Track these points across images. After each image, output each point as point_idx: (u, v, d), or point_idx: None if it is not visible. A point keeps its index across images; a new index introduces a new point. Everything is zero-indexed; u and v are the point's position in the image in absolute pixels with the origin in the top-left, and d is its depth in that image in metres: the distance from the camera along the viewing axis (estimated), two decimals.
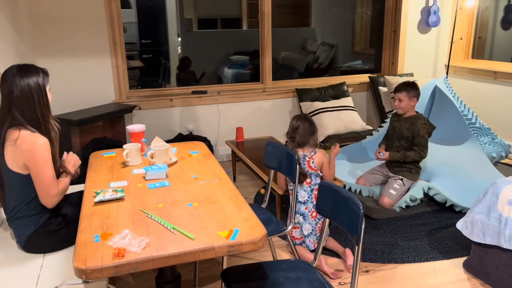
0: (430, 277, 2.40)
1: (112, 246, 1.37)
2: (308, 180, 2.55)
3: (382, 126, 3.82)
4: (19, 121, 1.77)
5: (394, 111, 3.21)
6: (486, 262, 2.30)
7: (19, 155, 1.75)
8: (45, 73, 1.86)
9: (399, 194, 3.07)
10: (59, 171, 1.91)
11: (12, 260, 1.82)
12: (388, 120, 3.39)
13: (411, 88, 2.99)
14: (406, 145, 3.05)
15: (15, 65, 1.82)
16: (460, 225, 2.42)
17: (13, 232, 1.90)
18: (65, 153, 2.07)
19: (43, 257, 1.84)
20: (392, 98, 3.10)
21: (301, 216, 2.56)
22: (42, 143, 1.76)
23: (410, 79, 4.48)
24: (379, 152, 3.11)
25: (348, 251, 2.53)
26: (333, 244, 2.60)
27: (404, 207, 3.06)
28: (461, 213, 3.04)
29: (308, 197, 2.56)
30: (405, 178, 3.08)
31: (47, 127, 1.83)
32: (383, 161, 3.26)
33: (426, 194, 3.09)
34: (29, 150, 1.74)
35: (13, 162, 1.77)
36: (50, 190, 1.82)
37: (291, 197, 2.55)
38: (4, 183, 1.83)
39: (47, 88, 1.86)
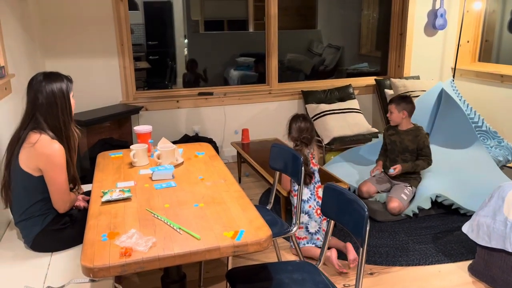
0: (435, 280, 2.40)
1: (119, 245, 1.38)
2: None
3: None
4: (41, 126, 1.82)
5: (388, 125, 3.24)
6: (491, 266, 2.29)
7: (35, 157, 1.78)
8: (69, 80, 1.91)
9: (408, 200, 3.07)
10: (73, 178, 1.96)
11: (20, 259, 1.84)
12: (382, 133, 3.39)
13: (402, 101, 3.04)
14: (411, 157, 3.09)
15: (41, 72, 1.88)
16: (466, 228, 2.41)
17: (20, 233, 1.93)
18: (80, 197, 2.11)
19: (51, 255, 1.87)
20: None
21: (306, 215, 2.57)
22: (58, 149, 1.81)
23: (416, 82, 4.49)
24: (391, 168, 3.03)
25: (349, 245, 2.52)
26: (334, 242, 2.60)
27: (411, 216, 3.06)
28: (466, 215, 3.04)
29: (311, 194, 2.58)
30: (413, 186, 3.11)
31: (67, 134, 1.88)
32: (382, 171, 3.26)
33: (433, 202, 3.07)
34: (46, 154, 1.78)
35: (27, 163, 1.80)
36: (64, 195, 1.87)
37: (295, 198, 2.57)
38: (12, 184, 1.86)
39: (71, 95, 1.91)
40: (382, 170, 3.23)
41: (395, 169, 3.01)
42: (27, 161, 1.80)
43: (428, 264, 2.54)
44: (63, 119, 1.86)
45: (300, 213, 2.23)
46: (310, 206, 2.57)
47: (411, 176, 3.13)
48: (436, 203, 3.11)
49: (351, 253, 2.48)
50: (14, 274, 1.73)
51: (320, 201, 2.53)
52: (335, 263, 2.41)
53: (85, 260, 1.31)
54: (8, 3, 2.69)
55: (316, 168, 2.60)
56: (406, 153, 3.09)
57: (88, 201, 2.07)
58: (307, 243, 2.58)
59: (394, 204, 3.01)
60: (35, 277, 1.70)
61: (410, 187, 3.10)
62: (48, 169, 1.80)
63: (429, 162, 3.07)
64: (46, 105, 1.82)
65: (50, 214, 1.89)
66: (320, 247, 2.58)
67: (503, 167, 3.66)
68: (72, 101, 1.94)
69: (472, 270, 2.44)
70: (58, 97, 1.84)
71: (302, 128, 2.58)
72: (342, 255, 2.56)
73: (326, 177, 3.00)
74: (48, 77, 1.85)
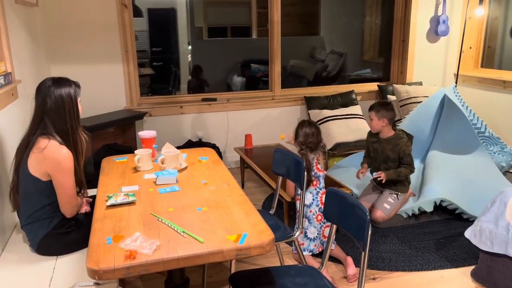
0: (437, 286, 2.40)
1: (124, 248, 1.40)
2: (314, 182, 2.58)
3: None
4: (50, 131, 1.85)
5: (369, 131, 3.17)
6: (494, 271, 2.29)
7: (43, 162, 1.81)
8: (77, 85, 1.95)
9: (393, 208, 3.04)
10: (80, 182, 1.98)
11: (25, 262, 1.86)
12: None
13: (381, 108, 2.96)
14: (393, 166, 3.02)
15: (50, 77, 1.91)
16: (468, 233, 2.42)
17: (26, 236, 1.95)
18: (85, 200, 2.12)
19: (56, 259, 1.89)
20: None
21: (306, 220, 2.58)
22: (66, 154, 1.83)
23: (419, 88, 4.51)
24: (375, 173, 3.01)
25: (349, 259, 2.52)
26: (337, 252, 2.61)
27: (410, 215, 3.06)
28: (469, 221, 3.04)
29: (313, 199, 2.58)
30: (399, 193, 3.07)
31: (75, 139, 1.91)
32: (371, 180, 3.23)
33: (436, 207, 3.07)
34: (54, 159, 1.81)
35: (35, 168, 1.82)
36: (72, 199, 1.90)
37: (298, 203, 2.58)
38: (20, 188, 1.89)
39: (78, 100, 1.94)
40: (368, 171, 3.14)
41: (378, 174, 2.94)
42: (36, 166, 1.82)
43: (431, 270, 2.54)
44: (71, 124, 1.89)
45: (302, 217, 2.24)
46: (311, 211, 2.58)
47: (399, 181, 3.05)
48: (440, 208, 3.12)
49: (351, 268, 2.47)
50: (20, 278, 1.75)
51: (323, 207, 2.54)
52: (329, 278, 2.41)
53: (91, 262, 1.33)
54: (15, 10, 2.74)
55: (321, 173, 2.60)
56: (388, 162, 3.03)
57: (90, 204, 2.09)
58: (304, 250, 2.59)
59: (376, 215, 3.00)
60: (41, 280, 1.72)
61: (395, 195, 3.05)
62: (57, 174, 1.83)
63: (411, 169, 2.99)
64: (55, 109, 1.85)
65: (56, 217, 1.91)
66: (315, 254, 2.59)
67: (506, 172, 3.67)
68: (79, 106, 1.97)
69: (474, 275, 2.44)
70: (66, 102, 1.87)
71: (308, 133, 2.59)
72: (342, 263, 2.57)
73: (329, 182, 3.01)
74: (56, 82, 1.88)
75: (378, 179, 2.97)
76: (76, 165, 1.91)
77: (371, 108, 3.01)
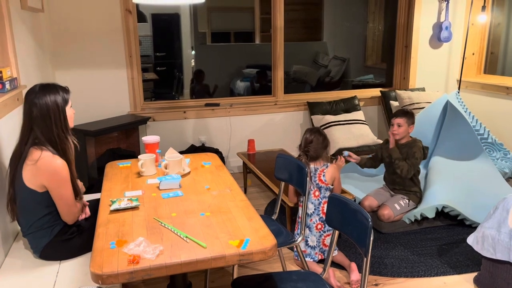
0: None
1: (127, 252, 1.41)
2: (317, 193, 2.58)
3: None
4: (41, 141, 1.80)
5: (386, 138, 3.22)
6: (496, 278, 2.29)
7: (39, 175, 1.78)
8: (65, 91, 1.89)
9: (401, 212, 3.06)
10: (76, 189, 1.96)
11: (29, 267, 1.87)
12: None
13: (410, 116, 3.06)
14: None
15: (38, 84, 1.87)
16: (471, 240, 2.41)
17: (28, 243, 1.94)
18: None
19: (59, 263, 1.90)
20: (391, 124, 3.11)
21: (307, 229, 2.59)
22: (61, 164, 1.80)
23: (422, 93, 4.51)
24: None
25: (353, 265, 2.53)
26: (341, 258, 2.61)
27: (412, 221, 3.06)
28: (472, 227, 3.03)
29: (315, 209, 2.59)
30: (411, 200, 3.11)
31: (63, 147, 1.86)
32: (383, 184, 3.28)
33: (438, 213, 3.07)
34: (49, 171, 1.78)
35: (31, 180, 1.79)
36: (72, 208, 1.89)
37: (300, 209, 2.58)
38: (18, 199, 1.85)
39: (69, 105, 1.90)
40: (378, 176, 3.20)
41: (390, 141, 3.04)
42: (31, 179, 1.79)
43: (433, 276, 2.54)
44: (57, 132, 1.83)
45: (304, 223, 2.24)
46: (311, 220, 2.59)
47: (411, 191, 3.13)
48: (442, 214, 3.11)
49: (354, 274, 2.48)
50: (23, 282, 1.76)
51: (324, 217, 2.55)
52: (334, 284, 2.42)
53: (94, 267, 1.34)
54: (21, 16, 2.77)
55: (323, 185, 2.59)
56: None
57: (93, 208, 2.07)
58: (306, 257, 2.59)
59: (384, 211, 3.02)
60: (44, 285, 1.73)
61: (407, 200, 3.09)
62: (54, 185, 1.80)
63: (408, 170, 2.99)
64: (41, 118, 1.80)
65: (57, 225, 1.91)
66: (317, 262, 2.59)
67: (509, 179, 3.66)
68: (71, 111, 1.92)
69: (477, 282, 2.43)
70: (52, 110, 1.81)
71: (308, 140, 2.59)
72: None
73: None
74: (43, 89, 1.83)
75: (391, 133, 3.03)
76: (71, 174, 1.88)
77: (398, 115, 3.05)
